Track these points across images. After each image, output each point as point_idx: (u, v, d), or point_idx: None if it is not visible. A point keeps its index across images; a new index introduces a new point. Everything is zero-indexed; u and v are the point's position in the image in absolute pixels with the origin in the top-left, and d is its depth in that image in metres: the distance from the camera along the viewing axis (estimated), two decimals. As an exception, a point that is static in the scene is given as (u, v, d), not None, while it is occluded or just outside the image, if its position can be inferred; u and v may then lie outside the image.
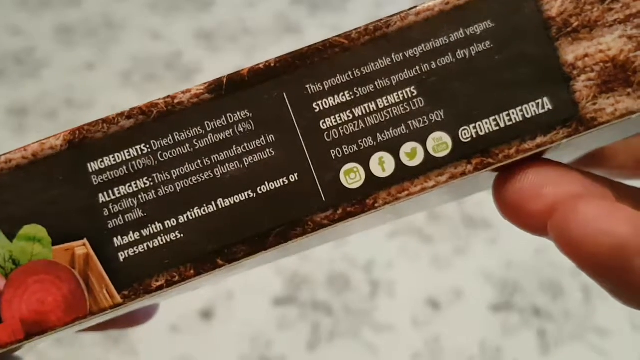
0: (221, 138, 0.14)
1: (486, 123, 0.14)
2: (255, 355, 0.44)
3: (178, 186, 0.14)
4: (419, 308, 0.46)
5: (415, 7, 0.14)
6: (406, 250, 0.48)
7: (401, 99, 0.14)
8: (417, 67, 0.14)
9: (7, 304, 0.14)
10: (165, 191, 0.14)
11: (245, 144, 0.14)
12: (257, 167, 0.14)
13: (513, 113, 0.14)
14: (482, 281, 0.47)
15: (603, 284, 0.13)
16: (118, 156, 0.14)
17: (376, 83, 0.14)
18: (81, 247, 0.14)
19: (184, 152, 0.14)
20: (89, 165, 0.14)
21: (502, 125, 0.14)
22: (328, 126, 0.14)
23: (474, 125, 0.14)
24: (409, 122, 0.14)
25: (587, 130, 0.14)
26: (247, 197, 0.14)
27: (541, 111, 0.14)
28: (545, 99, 0.14)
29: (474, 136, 0.14)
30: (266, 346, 0.45)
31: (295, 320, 0.45)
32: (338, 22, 0.62)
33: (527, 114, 0.14)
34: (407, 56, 0.14)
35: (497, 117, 0.14)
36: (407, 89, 0.14)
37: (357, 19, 0.62)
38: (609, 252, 0.12)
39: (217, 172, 0.14)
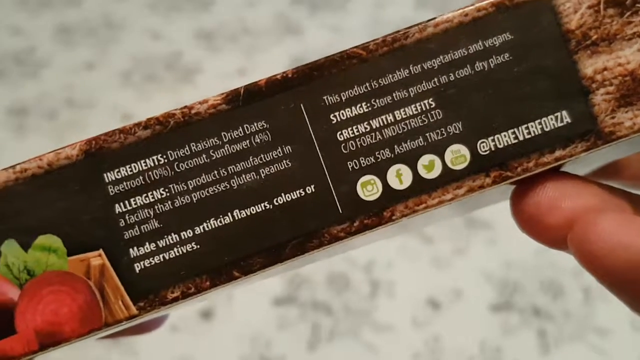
0: (238, 149, 0.14)
1: (505, 136, 0.14)
2: (255, 355, 0.44)
3: (194, 197, 0.14)
4: (419, 308, 0.46)
5: (434, 18, 0.14)
6: (406, 250, 0.48)
7: (419, 110, 0.14)
8: (436, 79, 0.14)
9: (21, 314, 0.14)
10: (182, 202, 0.14)
11: (262, 155, 0.14)
12: (273, 178, 0.14)
13: (532, 126, 0.14)
14: (482, 281, 0.47)
15: (623, 297, 0.13)
16: (135, 166, 0.14)
17: (394, 94, 0.14)
18: (97, 258, 0.14)
19: (200, 162, 0.14)
20: (105, 175, 0.14)
21: (521, 138, 0.14)
22: (345, 138, 0.14)
23: (492, 138, 0.14)
24: (427, 134, 0.14)
25: (606, 144, 0.14)
26: (263, 208, 0.14)
27: (560, 124, 0.14)
28: (564, 112, 0.14)
29: (493, 149, 0.14)
30: (266, 346, 0.45)
31: (295, 320, 0.45)
32: (338, 22, 0.62)
33: (546, 127, 0.14)
34: (425, 68, 0.14)
35: (515, 130, 0.14)
36: (425, 101, 0.14)
37: (358, 19, 0.62)
38: (629, 265, 0.12)
39: (233, 183, 0.14)
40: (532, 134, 0.14)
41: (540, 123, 0.14)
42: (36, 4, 0.64)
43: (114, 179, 0.14)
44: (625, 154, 0.18)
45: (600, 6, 0.14)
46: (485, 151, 0.14)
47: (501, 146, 0.14)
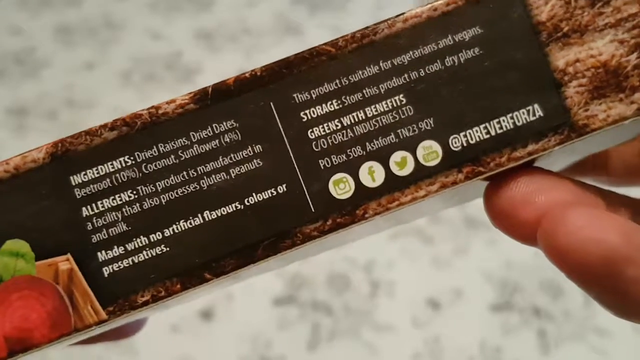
0: (207, 149, 0.14)
1: (477, 131, 0.14)
2: (255, 355, 0.44)
3: (163, 199, 0.14)
4: (419, 308, 0.46)
5: (403, 13, 0.14)
6: (406, 250, 0.48)
7: (390, 107, 0.14)
8: (406, 75, 0.14)
9: None
10: (151, 204, 0.14)
11: (232, 155, 0.14)
12: (244, 178, 0.14)
13: (504, 120, 0.14)
14: (482, 281, 0.47)
15: (591, 293, 0.13)
16: (101, 169, 0.14)
17: (364, 91, 0.14)
18: (65, 262, 0.13)
19: (169, 163, 0.14)
20: (71, 178, 0.14)
21: (493, 133, 0.14)
22: (316, 135, 0.14)
23: (464, 133, 0.14)
24: (399, 131, 0.14)
25: (579, 137, 0.14)
26: (234, 208, 0.14)
27: (532, 118, 0.14)
28: (536, 106, 0.14)
29: (465, 144, 0.14)
30: (266, 346, 0.44)
31: (295, 320, 0.45)
32: (338, 22, 0.62)
33: (518, 121, 0.14)
34: (395, 64, 0.14)
35: (487, 124, 0.14)
36: (396, 97, 0.14)
37: (358, 19, 0.62)
38: (598, 260, 0.12)
39: (203, 184, 0.14)
40: (504, 129, 0.14)
41: (512, 117, 0.14)
42: (36, 4, 0.64)
43: (80, 181, 0.14)
44: (600, 147, 0.18)
45: None
46: (457, 147, 0.14)
47: (473, 142, 0.14)
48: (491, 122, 0.14)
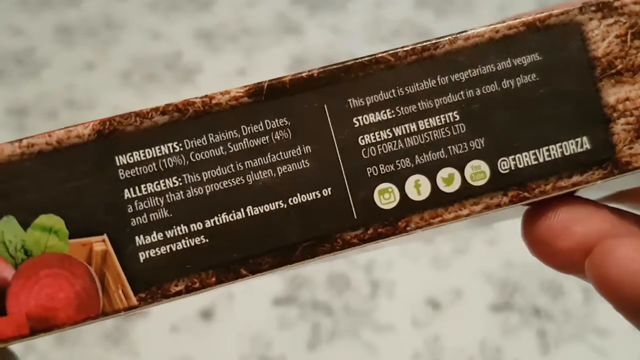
0: (257, 144, 0.14)
1: (526, 156, 0.14)
2: (255, 355, 0.44)
3: (208, 189, 0.14)
4: (419, 308, 0.46)
5: (465, 31, 0.14)
6: (406, 250, 0.48)
7: (443, 122, 0.14)
8: (462, 92, 0.14)
9: (14, 296, 0.13)
10: (194, 193, 0.14)
11: (281, 153, 0.14)
12: (290, 178, 0.14)
13: (553, 149, 0.14)
14: (482, 281, 0.47)
15: None
16: (148, 152, 0.13)
17: (419, 104, 0.14)
18: (100, 243, 0.13)
19: (217, 154, 0.14)
20: (116, 158, 0.13)
21: (541, 160, 0.14)
22: (366, 143, 0.14)
23: (513, 157, 0.14)
24: (449, 147, 0.14)
25: (622, 173, 0.14)
26: (277, 207, 0.14)
27: (579, 150, 0.14)
28: (585, 138, 0.14)
29: (513, 168, 0.14)
30: (266, 346, 0.45)
31: (295, 320, 0.45)
32: (338, 22, 0.62)
33: (566, 151, 0.14)
34: (453, 80, 0.14)
35: (536, 151, 0.14)
36: (450, 113, 0.14)
37: (357, 19, 0.62)
38: None
39: (249, 179, 0.14)
40: (552, 157, 0.14)
41: (561, 147, 0.14)
42: (36, 4, 0.64)
43: (125, 162, 0.13)
44: (637, 183, 0.18)
45: (628, 36, 0.14)
46: (505, 170, 0.14)
47: (521, 166, 0.14)
48: (540, 150, 0.14)
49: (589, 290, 0.45)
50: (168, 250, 0.13)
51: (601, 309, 0.45)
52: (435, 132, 0.14)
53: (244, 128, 0.14)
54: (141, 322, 0.45)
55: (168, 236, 0.13)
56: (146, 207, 0.13)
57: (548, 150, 0.14)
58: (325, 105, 0.14)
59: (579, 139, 0.14)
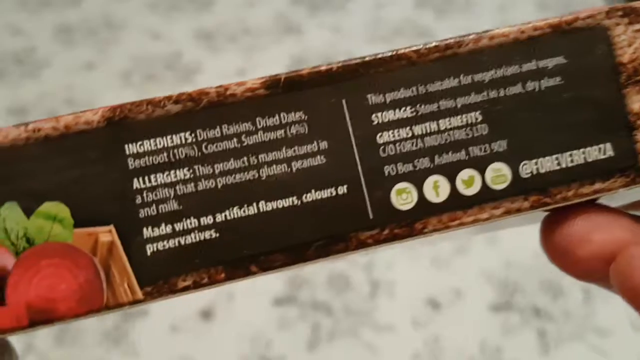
0: (272, 137, 0.13)
1: (548, 161, 0.13)
2: (255, 355, 0.44)
3: (220, 182, 0.13)
4: (419, 308, 0.46)
5: (490, 30, 0.14)
6: (406, 250, 0.48)
7: (464, 123, 0.13)
8: (485, 93, 0.13)
9: (13, 285, 0.12)
10: (206, 186, 0.13)
11: (296, 147, 0.13)
12: (305, 174, 0.13)
13: (575, 154, 0.14)
14: (482, 281, 0.47)
15: None
16: (160, 141, 0.13)
17: (440, 103, 0.13)
18: (106, 234, 0.13)
19: (230, 146, 0.13)
20: (126, 146, 0.13)
21: (564, 165, 0.14)
22: (385, 141, 0.13)
23: (535, 161, 0.13)
24: (470, 149, 0.13)
25: None
26: (291, 203, 0.13)
27: (602, 157, 0.14)
28: (608, 145, 0.14)
29: (534, 172, 0.13)
30: (266, 346, 0.44)
31: (295, 320, 0.45)
32: (338, 22, 0.62)
33: (589, 157, 0.14)
34: (476, 80, 0.14)
35: (559, 156, 0.14)
36: (472, 114, 0.13)
37: (357, 19, 0.62)
38: None
39: (262, 173, 0.13)
40: (575, 163, 0.14)
41: (583, 152, 0.14)
42: (36, 4, 0.64)
43: (135, 152, 0.13)
44: None
45: None
46: (527, 174, 0.13)
47: (543, 171, 0.14)
48: (563, 155, 0.14)
49: (589, 291, 0.45)
50: (177, 244, 0.13)
51: (601, 309, 0.45)
52: (457, 133, 0.13)
53: (259, 120, 0.13)
54: (141, 322, 0.45)
55: (177, 229, 0.13)
56: (155, 198, 0.13)
57: (571, 155, 0.14)
58: (343, 101, 0.13)
59: (602, 146, 0.14)
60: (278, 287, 0.47)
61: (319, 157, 0.13)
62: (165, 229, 0.13)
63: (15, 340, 0.14)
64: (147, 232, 0.13)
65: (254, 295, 0.46)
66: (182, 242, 0.13)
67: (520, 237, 0.47)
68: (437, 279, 0.47)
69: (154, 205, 0.13)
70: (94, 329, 0.45)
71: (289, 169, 0.13)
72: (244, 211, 0.13)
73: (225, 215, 0.13)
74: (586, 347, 0.43)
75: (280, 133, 0.13)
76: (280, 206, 0.13)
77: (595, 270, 0.13)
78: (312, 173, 0.13)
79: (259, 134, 0.13)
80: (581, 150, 0.14)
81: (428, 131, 0.13)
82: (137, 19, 0.63)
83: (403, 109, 0.13)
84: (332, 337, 0.45)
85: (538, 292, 0.46)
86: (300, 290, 0.47)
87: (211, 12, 0.63)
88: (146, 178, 0.13)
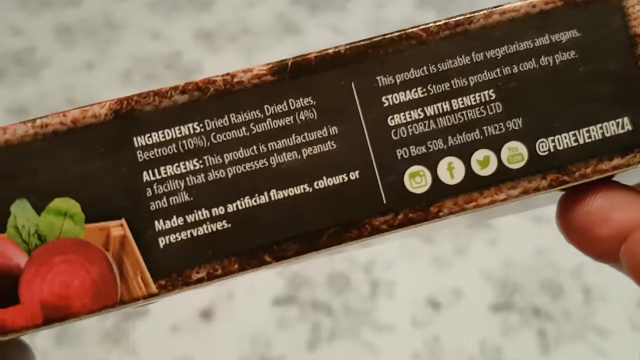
0: (281, 124, 0.13)
1: (565, 137, 0.13)
2: (255, 355, 0.44)
3: (230, 172, 0.13)
4: (419, 308, 0.46)
5: (501, 5, 0.13)
6: (406, 250, 0.48)
7: (478, 101, 0.13)
8: (498, 70, 0.13)
9: (27, 284, 0.12)
10: (216, 176, 0.13)
11: (306, 134, 0.13)
12: (316, 160, 0.13)
13: (593, 130, 0.13)
14: (482, 281, 0.47)
15: None
16: (168, 133, 0.13)
17: (452, 82, 0.13)
18: (118, 228, 0.13)
19: (239, 135, 0.13)
20: (135, 139, 0.13)
21: (581, 141, 0.13)
22: (396, 123, 0.13)
23: (552, 138, 0.13)
24: (484, 128, 0.13)
25: None
26: (302, 191, 0.13)
27: (620, 131, 0.13)
28: (626, 119, 0.13)
29: (552, 150, 0.13)
30: (266, 346, 0.44)
31: (295, 320, 0.45)
32: (338, 22, 0.62)
33: (607, 132, 0.13)
34: (488, 57, 0.13)
35: (576, 132, 0.13)
36: (485, 92, 0.13)
37: (358, 19, 0.62)
38: None
39: (272, 161, 0.13)
40: (593, 138, 0.13)
41: (601, 127, 0.13)
42: (36, 4, 0.64)
43: (144, 144, 0.13)
44: None
45: None
46: (544, 152, 0.13)
47: (561, 148, 0.13)
48: (580, 131, 0.13)
49: (589, 290, 0.45)
50: (189, 236, 0.13)
51: (601, 309, 0.45)
52: (470, 112, 0.13)
53: (267, 108, 0.13)
54: (141, 322, 0.45)
55: (189, 221, 0.13)
56: (166, 190, 0.13)
57: (588, 131, 0.13)
58: (352, 84, 0.13)
59: (620, 120, 0.13)
60: (278, 287, 0.47)
61: (329, 142, 0.13)
62: (177, 221, 0.13)
63: (15, 340, 0.14)
64: (159, 225, 0.13)
65: (254, 295, 0.46)
66: (194, 234, 0.13)
67: (520, 237, 0.47)
68: (437, 279, 0.47)
69: (164, 197, 0.13)
70: (94, 329, 0.45)
71: (300, 156, 0.13)
72: (255, 200, 0.13)
73: (237, 205, 0.13)
74: (586, 347, 0.43)
75: (289, 120, 0.13)
76: (292, 194, 0.13)
77: (613, 250, 0.13)
78: (323, 159, 0.13)
79: (268, 122, 0.13)
80: (598, 125, 0.13)
81: (440, 112, 0.13)
82: (137, 18, 0.63)
83: (414, 89, 0.13)
84: (332, 337, 0.45)
85: (538, 292, 0.46)
86: (300, 290, 0.47)
87: (211, 12, 0.63)
88: (156, 170, 0.13)
